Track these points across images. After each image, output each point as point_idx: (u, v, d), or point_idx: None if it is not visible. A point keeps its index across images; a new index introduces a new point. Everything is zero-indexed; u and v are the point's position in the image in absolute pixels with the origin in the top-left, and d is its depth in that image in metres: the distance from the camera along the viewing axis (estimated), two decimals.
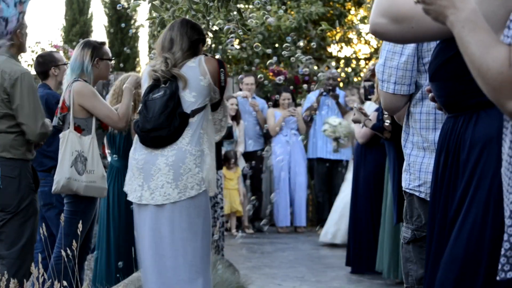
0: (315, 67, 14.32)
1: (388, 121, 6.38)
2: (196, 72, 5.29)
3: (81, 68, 6.10)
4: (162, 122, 5.13)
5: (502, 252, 2.08)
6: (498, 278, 2.09)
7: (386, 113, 6.42)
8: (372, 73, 7.25)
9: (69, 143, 5.94)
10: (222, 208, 9.15)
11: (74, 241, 5.16)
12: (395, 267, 7.59)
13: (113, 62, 6.38)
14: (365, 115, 7.17)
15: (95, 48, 6.19)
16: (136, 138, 5.39)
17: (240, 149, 11.95)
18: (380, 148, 7.58)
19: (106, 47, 6.36)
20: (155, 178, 5.14)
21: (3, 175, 5.28)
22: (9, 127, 5.41)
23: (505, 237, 2.07)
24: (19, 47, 5.58)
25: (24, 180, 5.38)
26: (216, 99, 5.43)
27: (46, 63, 7.06)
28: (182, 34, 5.37)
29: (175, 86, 5.20)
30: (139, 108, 5.40)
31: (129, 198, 5.31)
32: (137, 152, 5.29)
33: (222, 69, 5.37)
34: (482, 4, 2.15)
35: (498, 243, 2.22)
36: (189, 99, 5.24)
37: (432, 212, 2.81)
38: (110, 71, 6.41)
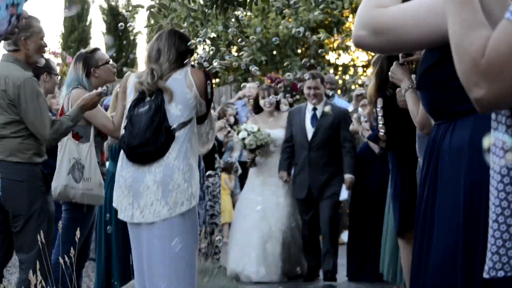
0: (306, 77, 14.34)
1: (383, 130, 6.38)
2: (182, 85, 5.18)
3: (78, 81, 6.12)
4: (148, 138, 5.01)
5: (494, 250, 2.09)
6: (487, 276, 2.10)
7: (380, 123, 6.44)
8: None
9: (67, 150, 5.94)
10: (217, 215, 9.20)
11: (72, 248, 5.16)
12: (394, 271, 7.57)
13: (112, 63, 6.35)
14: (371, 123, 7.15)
15: (86, 59, 6.19)
16: (122, 154, 5.26)
17: (235, 155, 11.94)
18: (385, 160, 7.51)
19: (100, 52, 6.33)
20: (144, 196, 5.02)
21: (11, 179, 5.28)
22: (14, 132, 5.39)
23: (497, 234, 2.08)
24: (26, 55, 5.54)
25: (32, 183, 5.37)
26: (203, 112, 5.32)
27: (41, 68, 7.07)
28: (170, 45, 5.27)
29: (161, 99, 5.08)
30: (124, 123, 5.25)
31: (120, 217, 5.21)
32: (124, 170, 5.16)
33: (208, 81, 5.27)
34: None
35: (473, 247, 2.27)
36: (175, 112, 5.12)
37: (416, 218, 2.85)
38: (114, 73, 6.36)
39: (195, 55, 5.59)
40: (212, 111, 5.67)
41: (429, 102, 2.76)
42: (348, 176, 8.62)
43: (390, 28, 2.31)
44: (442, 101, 2.62)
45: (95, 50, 6.34)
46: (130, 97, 5.25)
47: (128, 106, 5.21)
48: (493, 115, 2.11)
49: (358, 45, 2.39)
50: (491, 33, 1.91)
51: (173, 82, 5.15)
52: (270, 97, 9.19)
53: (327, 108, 8.82)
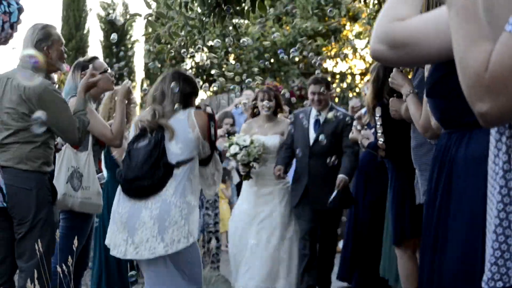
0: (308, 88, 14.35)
1: (382, 139, 6.37)
2: (184, 125, 5.21)
3: (75, 90, 6.10)
4: (145, 172, 5.01)
5: (492, 260, 2.09)
6: (486, 287, 2.10)
7: (379, 131, 6.43)
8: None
9: (65, 159, 5.94)
10: (213, 223, 9.19)
11: (69, 256, 5.15)
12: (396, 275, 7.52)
13: (110, 71, 6.33)
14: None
15: (84, 68, 6.16)
16: (119, 190, 5.28)
17: (232, 163, 11.93)
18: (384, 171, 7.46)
19: (98, 61, 6.31)
20: (139, 232, 5.01)
21: (19, 187, 5.27)
22: (24, 139, 5.36)
23: (495, 245, 2.09)
24: (49, 64, 5.53)
25: (40, 192, 5.35)
26: (206, 153, 5.33)
27: None
28: (183, 90, 5.31)
29: (161, 135, 5.11)
30: (123, 156, 5.29)
31: (112, 253, 5.20)
32: (120, 206, 5.16)
33: (212, 123, 5.28)
34: None
35: None
36: (175, 150, 5.14)
37: (425, 223, 2.84)
38: (112, 82, 6.31)
39: (199, 100, 5.61)
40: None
41: (441, 110, 2.75)
42: (340, 176, 8.05)
43: (409, 42, 2.27)
44: (456, 110, 2.61)
45: (94, 58, 6.33)
46: (132, 135, 5.33)
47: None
48: (492, 132, 2.11)
49: (377, 58, 2.37)
50: (494, 47, 1.91)
51: (176, 122, 5.18)
52: (265, 102, 8.43)
53: (330, 115, 8.35)
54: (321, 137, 8.12)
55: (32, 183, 5.31)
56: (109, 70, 6.28)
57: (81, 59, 6.44)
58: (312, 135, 8.40)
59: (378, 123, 6.44)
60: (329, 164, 8.07)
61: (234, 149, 8.19)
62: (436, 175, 2.75)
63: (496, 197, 2.08)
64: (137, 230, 4.98)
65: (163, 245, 4.94)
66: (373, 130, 7.02)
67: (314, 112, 8.47)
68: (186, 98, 5.32)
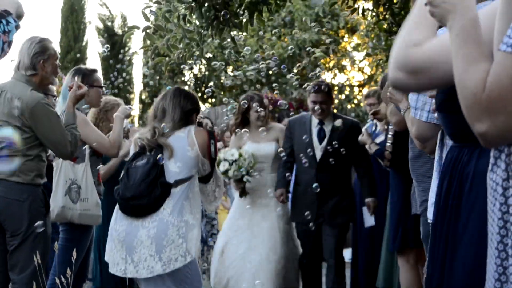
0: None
1: (389, 150, 6.41)
2: (183, 143, 5.20)
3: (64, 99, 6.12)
4: (142, 191, 5.00)
5: (496, 276, 2.10)
6: None
7: (389, 141, 6.45)
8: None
9: (63, 171, 5.94)
10: (209, 235, 9.17)
11: (68, 269, 5.15)
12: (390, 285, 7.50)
13: (104, 89, 6.34)
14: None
15: (85, 75, 6.17)
16: (116, 208, 5.28)
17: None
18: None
19: (97, 74, 6.33)
20: (137, 250, 4.99)
21: (12, 199, 5.27)
22: (18, 152, 5.36)
23: (498, 261, 2.09)
24: (43, 77, 5.54)
25: (33, 204, 5.35)
26: (206, 171, 5.33)
27: None
28: (175, 104, 5.29)
29: (160, 154, 5.11)
30: (121, 175, 5.27)
31: (112, 271, 5.19)
32: (118, 224, 5.15)
33: (212, 141, 5.27)
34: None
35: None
36: (174, 169, 5.13)
37: (433, 237, 2.84)
38: (101, 99, 6.33)
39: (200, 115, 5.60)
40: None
41: (452, 125, 2.76)
42: (369, 200, 7.60)
43: (428, 66, 2.26)
44: (466, 126, 2.62)
45: (95, 70, 6.35)
46: (132, 152, 5.34)
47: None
48: (493, 150, 2.12)
49: (397, 87, 2.36)
50: (487, 66, 1.92)
51: (175, 140, 5.18)
52: (260, 109, 7.73)
53: (338, 122, 7.66)
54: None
55: (25, 195, 5.31)
56: (104, 88, 6.28)
57: (83, 66, 6.44)
58: (316, 145, 7.70)
59: (391, 133, 6.46)
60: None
61: (223, 166, 7.61)
62: (446, 188, 2.75)
63: (496, 214, 2.08)
64: (135, 248, 4.98)
65: (161, 264, 4.94)
66: (381, 138, 7.03)
67: (314, 121, 7.78)
68: (187, 115, 5.32)
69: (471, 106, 1.91)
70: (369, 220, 7.69)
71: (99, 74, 6.40)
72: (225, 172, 7.58)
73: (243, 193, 7.81)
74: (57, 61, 5.64)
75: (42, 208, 5.40)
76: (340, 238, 7.65)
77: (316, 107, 7.65)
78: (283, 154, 7.61)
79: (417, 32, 2.30)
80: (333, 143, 7.46)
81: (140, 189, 4.97)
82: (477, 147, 2.59)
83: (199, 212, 5.31)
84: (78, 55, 26.48)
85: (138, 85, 28.71)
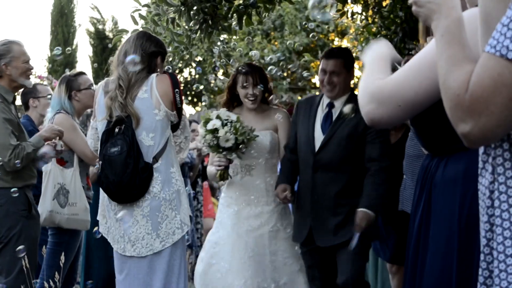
0: (299, 97, 14.41)
1: None
2: (149, 105, 4.93)
3: (60, 104, 6.12)
4: (126, 183, 4.84)
5: (481, 280, 2.11)
6: None
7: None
8: None
9: (52, 176, 5.93)
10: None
11: (56, 272, 5.13)
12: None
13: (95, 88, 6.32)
14: None
15: (69, 82, 6.19)
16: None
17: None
18: None
19: (84, 76, 6.32)
20: (134, 230, 4.93)
21: None
22: None
23: (483, 265, 2.10)
24: (10, 80, 5.53)
25: (12, 207, 5.34)
26: (173, 122, 5.05)
27: (26, 94, 7.11)
28: (137, 46, 5.00)
29: (131, 134, 4.86)
30: (100, 163, 4.97)
31: (114, 248, 5.12)
32: (113, 203, 5.03)
33: (176, 90, 4.95)
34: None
35: (467, 275, 2.28)
36: (148, 142, 4.92)
37: (408, 244, 2.87)
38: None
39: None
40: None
41: (424, 137, 2.81)
42: (360, 212, 5.23)
43: (396, 94, 2.28)
44: (435, 138, 2.66)
45: (80, 73, 6.34)
46: (101, 115, 5.03)
47: (100, 130, 5.03)
48: (480, 153, 2.13)
49: (372, 121, 2.37)
50: (471, 67, 1.93)
51: (140, 104, 4.92)
52: (250, 89, 5.83)
53: (348, 108, 5.40)
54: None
55: (3, 200, 5.30)
56: (94, 86, 6.27)
57: (67, 73, 6.44)
58: (318, 135, 5.60)
59: None
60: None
61: (213, 124, 5.60)
62: (417, 196, 2.81)
63: (483, 218, 2.09)
64: (131, 227, 4.94)
65: (159, 241, 4.90)
66: None
67: (325, 101, 5.69)
68: (150, 57, 5.03)
69: (454, 107, 1.93)
70: (354, 241, 5.11)
71: (86, 76, 6.37)
72: (213, 131, 5.58)
73: (224, 175, 5.75)
74: (27, 63, 5.61)
75: (23, 211, 5.39)
76: (357, 261, 5.44)
77: (325, 78, 5.62)
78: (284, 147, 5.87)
79: (379, 73, 2.37)
80: (335, 134, 5.51)
81: (124, 183, 4.83)
82: (444, 157, 2.64)
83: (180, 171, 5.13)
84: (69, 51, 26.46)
85: None
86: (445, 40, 2.02)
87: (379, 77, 2.33)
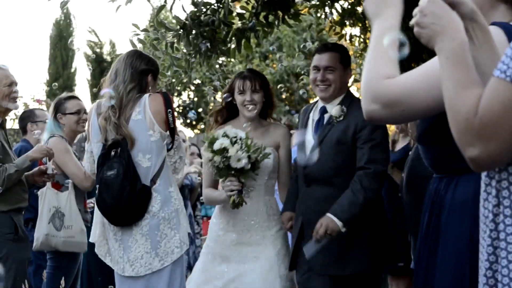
0: (297, 120, 14.39)
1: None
2: (143, 127, 4.85)
3: (51, 127, 6.14)
4: (124, 206, 4.80)
5: None
6: None
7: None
8: None
9: (47, 199, 5.91)
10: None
11: None
12: None
13: (82, 115, 6.29)
14: None
15: (57, 104, 6.22)
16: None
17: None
18: None
19: (74, 101, 6.29)
20: (133, 249, 4.89)
21: None
22: None
23: (484, 280, 2.10)
24: None
25: None
26: (168, 142, 4.96)
27: (24, 119, 7.12)
28: (127, 65, 4.94)
29: (127, 156, 4.82)
30: (98, 186, 4.95)
31: (115, 269, 5.06)
32: (112, 224, 5.00)
33: (169, 109, 4.86)
34: None
35: None
36: (145, 164, 4.86)
37: (416, 265, 2.86)
38: (81, 124, 6.23)
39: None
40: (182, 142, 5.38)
41: (432, 156, 2.80)
42: (327, 217, 4.61)
43: (403, 99, 2.23)
44: (446, 157, 2.65)
45: (71, 97, 6.34)
46: (97, 136, 4.97)
47: (95, 153, 5.00)
48: (482, 176, 2.12)
49: (372, 119, 2.34)
50: (482, 91, 1.92)
51: (135, 126, 4.86)
52: (248, 95, 5.19)
53: (336, 110, 4.89)
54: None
55: None
56: (81, 114, 6.23)
57: (60, 96, 6.44)
58: (309, 143, 5.00)
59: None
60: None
61: (220, 143, 4.88)
62: (427, 219, 2.79)
63: (486, 241, 2.09)
64: (130, 247, 4.91)
65: (158, 259, 4.85)
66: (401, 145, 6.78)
67: (319, 106, 5.10)
68: (141, 75, 4.96)
69: (463, 131, 1.92)
70: (309, 249, 4.61)
71: (77, 101, 6.35)
72: (222, 151, 4.87)
73: (239, 201, 5.03)
74: (10, 87, 5.57)
75: (9, 234, 5.36)
76: None
77: (318, 76, 4.97)
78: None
79: (385, 67, 2.27)
80: (324, 142, 4.87)
81: (121, 207, 4.80)
82: (454, 177, 2.63)
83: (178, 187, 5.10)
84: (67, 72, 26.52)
85: None
86: (451, 63, 2.00)
87: (386, 74, 2.27)
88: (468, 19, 2.15)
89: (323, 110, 4.97)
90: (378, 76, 2.27)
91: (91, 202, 6.38)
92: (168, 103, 4.86)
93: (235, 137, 4.89)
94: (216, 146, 4.85)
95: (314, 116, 5.05)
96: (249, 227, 5.18)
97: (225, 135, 4.90)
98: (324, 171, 4.81)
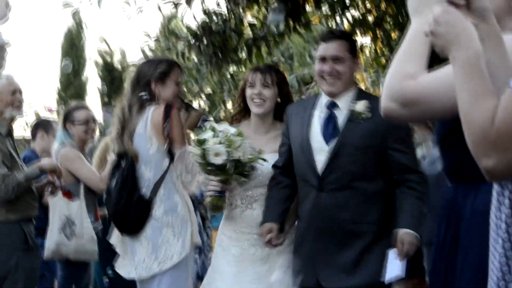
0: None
1: None
2: (143, 140, 4.80)
3: (60, 136, 6.17)
4: (121, 214, 4.82)
5: None
6: None
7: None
8: None
9: (57, 208, 5.93)
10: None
11: None
12: None
13: (95, 125, 6.33)
14: None
15: (67, 113, 6.26)
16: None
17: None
18: None
19: (83, 111, 6.31)
20: (138, 252, 4.89)
21: None
22: None
23: None
24: None
25: (5, 240, 5.31)
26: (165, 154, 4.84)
27: (37, 126, 7.14)
28: (129, 79, 4.95)
29: (128, 167, 4.82)
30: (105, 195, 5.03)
31: (122, 273, 5.13)
32: None
33: (166, 122, 4.69)
34: None
35: None
36: (147, 175, 4.84)
37: (431, 276, 2.84)
38: (90, 134, 6.29)
39: None
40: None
41: (451, 163, 2.77)
42: (403, 233, 4.03)
43: (422, 100, 2.22)
44: (464, 164, 2.62)
45: (79, 107, 6.37)
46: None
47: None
48: (494, 185, 2.11)
49: (389, 117, 2.33)
50: (498, 102, 1.91)
51: (138, 139, 4.82)
52: (257, 89, 4.63)
53: (361, 106, 4.23)
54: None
55: None
56: (90, 124, 6.25)
57: (71, 105, 6.47)
58: (318, 145, 4.31)
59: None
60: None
61: (205, 136, 4.47)
62: (444, 229, 2.76)
63: (498, 251, 2.07)
64: (136, 250, 4.92)
65: (157, 263, 4.82)
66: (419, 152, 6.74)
67: (323, 100, 4.40)
68: (143, 88, 4.86)
69: (478, 141, 1.90)
70: (394, 271, 4.06)
71: (86, 111, 6.39)
72: (202, 142, 4.43)
73: (217, 204, 4.62)
74: (13, 95, 5.55)
75: (18, 243, 5.35)
76: None
77: (325, 67, 4.32)
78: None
79: (411, 64, 2.26)
80: (347, 143, 4.22)
81: (118, 213, 4.82)
82: (472, 186, 2.60)
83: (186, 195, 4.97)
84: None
85: None
86: (465, 72, 1.99)
87: (409, 73, 2.25)
88: (478, 16, 2.13)
89: (332, 106, 4.31)
90: (401, 75, 2.25)
91: None
92: (167, 115, 4.73)
93: (222, 132, 4.44)
94: (202, 136, 4.47)
95: (319, 113, 4.34)
96: (253, 242, 4.61)
97: (213, 129, 4.47)
98: (345, 174, 4.19)
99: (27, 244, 5.41)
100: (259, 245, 4.53)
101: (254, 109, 4.67)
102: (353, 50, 4.40)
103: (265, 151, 4.59)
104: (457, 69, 2.01)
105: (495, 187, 2.10)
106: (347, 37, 4.48)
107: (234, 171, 4.41)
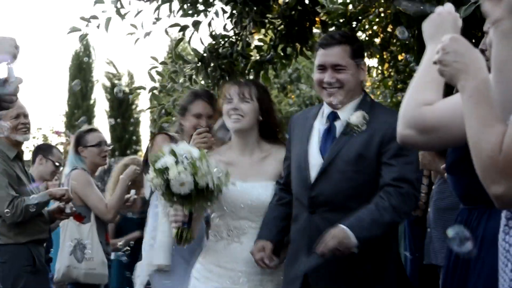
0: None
1: (423, 200, 6.07)
2: None
3: (71, 160, 6.17)
4: None
5: None
6: None
7: (423, 191, 6.16)
8: None
9: (68, 231, 5.96)
10: None
11: None
12: None
13: (108, 148, 6.35)
14: None
15: (78, 137, 6.26)
16: None
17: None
18: None
19: (95, 134, 6.35)
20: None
21: None
22: None
23: None
24: (6, 137, 5.48)
25: (15, 263, 5.33)
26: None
27: (37, 150, 7.14)
28: None
29: None
30: None
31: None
32: None
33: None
34: None
35: None
36: None
37: None
38: (103, 156, 6.31)
39: None
40: None
41: (462, 187, 2.78)
42: (339, 229, 3.55)
43: (439, 126, 2.24)
44: (476, 189, 2.62)
45: (91, 130, 6.39)
46: None
47: None
48: (504, 211, 2.11)
49: (406, 144, 2.33)
50: (506, 129, 1.91)
51: None
52: (234, 103, 4.09)
53: (356, 117, 3.79)
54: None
55: (6, 256, 5.29)
56: (104, 146, 6.27)
57: (82, 128, 6.48)
58: (315, 160, 3.87)
59: (425, 183, 6.24)
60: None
61: (163, 162, 3.79)
62: (455, 253, 2.76)
63: (508, 275, 2.07)
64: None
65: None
66: None
67: (325, 111, 3.95)
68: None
69: (487, 169, 1.91)
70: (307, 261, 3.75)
71: (98, 133, 6.40)
72: (162, 171, 3.77)
73: (185, 236, 4.06)
74: (18, 118, 5.53)
75: (27, 266, 5.35)
76: None
77: (325, 76, 3.87)
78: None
79: (427, 91, 2.28)
80: (338, 157, 3.79)
81: None
82: (486, 210, 2.61)
83: None
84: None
85: (146, 144, 28.80)
86: (474, 101, 2.00)
87: (425, 100, 2.25)
88: (507, 10, 2.10)
89: (333, 117, 3.87)
90: (417, 102, 2.27)
91: None
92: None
93: (183, 155, 3.78)
94: (158, 165, 3.79)
95: (319, 125, 3.91)
96: (235, 280, 4.02)
97: (173, 153, 3.79)
98: (338, 193, 3.73)
99: (35, 266, 5.42)
100: (241, 285, 3.99)
101: (230, 124, 4.11)
102: (357, 54, 3.90)
103: (253, 177, 4.10)
104: (466, 97, 2.02)
105: (504, 213, 2.11)
106: (349, 41, 3.94)
107: (200, 199, 3.86)
